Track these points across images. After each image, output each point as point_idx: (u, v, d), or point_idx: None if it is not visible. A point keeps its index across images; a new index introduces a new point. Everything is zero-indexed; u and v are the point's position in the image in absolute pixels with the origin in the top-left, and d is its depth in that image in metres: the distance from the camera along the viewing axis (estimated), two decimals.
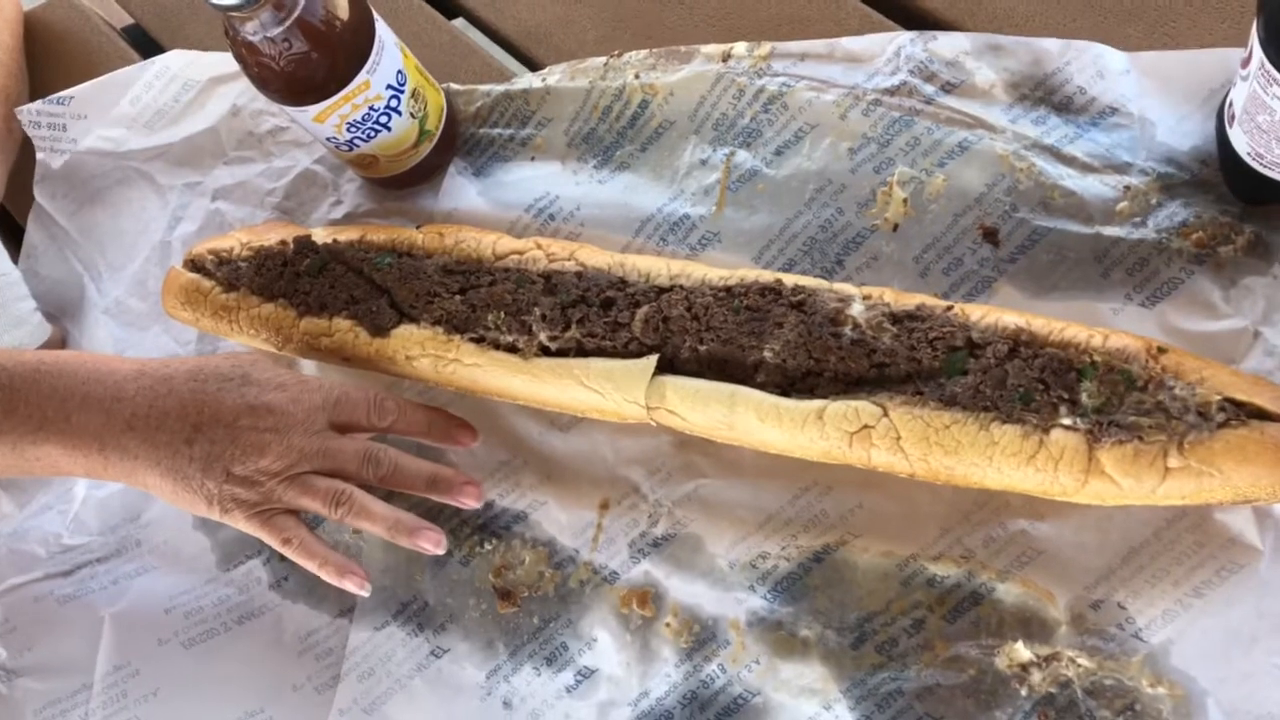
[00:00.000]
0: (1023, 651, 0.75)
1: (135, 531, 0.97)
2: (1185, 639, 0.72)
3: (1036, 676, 0.74)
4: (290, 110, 0.88)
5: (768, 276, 0.80)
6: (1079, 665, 0.74)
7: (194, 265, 0.95)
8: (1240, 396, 0.69)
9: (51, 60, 1.21)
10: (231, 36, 0.83)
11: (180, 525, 0.96)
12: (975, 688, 0.75)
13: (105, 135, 1.10)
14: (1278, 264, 0.77)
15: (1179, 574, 0.74)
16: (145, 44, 1.21)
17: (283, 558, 0.92)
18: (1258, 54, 0.68)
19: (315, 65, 0.84)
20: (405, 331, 0.86)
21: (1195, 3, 0.87)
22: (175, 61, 1.11)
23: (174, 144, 1.08)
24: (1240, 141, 0.75)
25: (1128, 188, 0.81)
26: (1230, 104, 0.76)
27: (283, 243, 0.93)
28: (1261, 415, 0.68)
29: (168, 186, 1.07)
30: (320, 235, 0.93)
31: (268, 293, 0.91)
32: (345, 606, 0.90)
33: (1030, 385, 0.71)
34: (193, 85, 1.09)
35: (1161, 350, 0.71)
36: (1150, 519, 0.75)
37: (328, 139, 0.91)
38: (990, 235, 0.83)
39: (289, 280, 0.90)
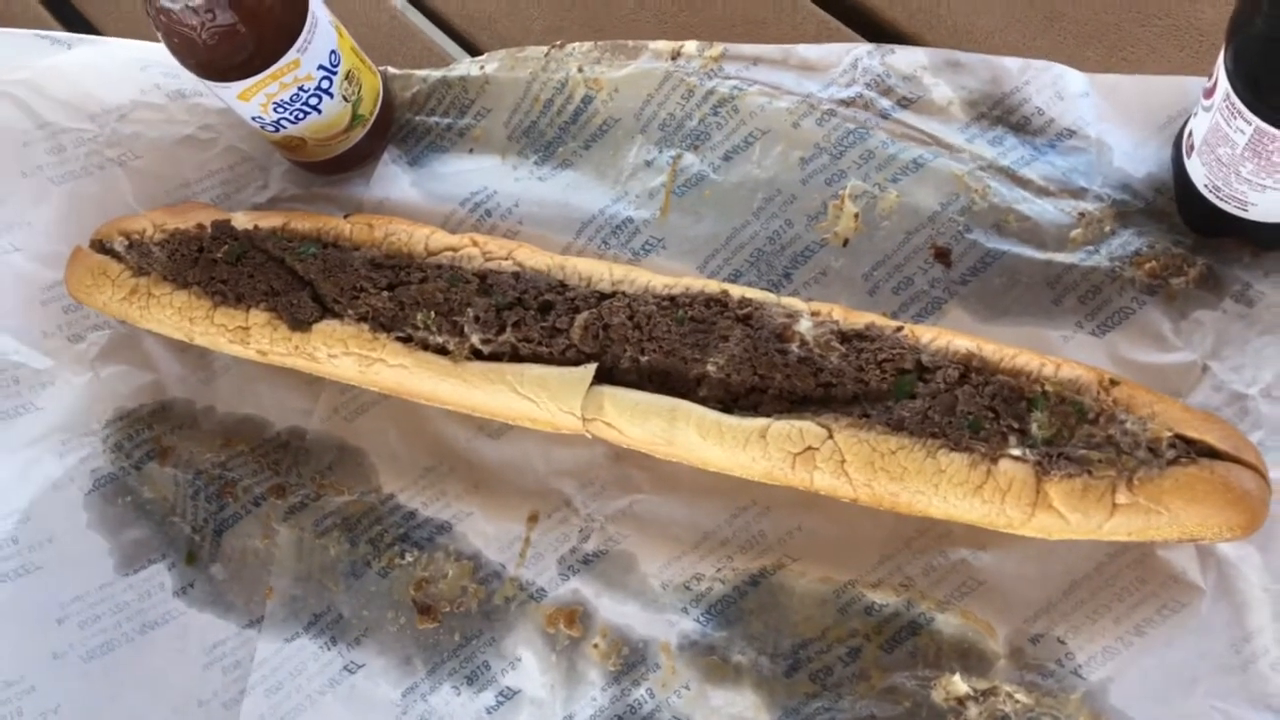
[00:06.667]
0: (960, 685, 0.73)
1: (10, 528, 0.89)
2: (1125, 677, 0.71)
3: (973, 711, 0.73)
4: (213, 86, 0.83)
5: (714, 287, 0.78)
6: (1016, 701, 0.72)
7: (101, 246, 0.89)
8: (1191, 433, 0.68)
9: None
10: (150, 1, 0.78)
11: (73, 523, 0.89)
12: None
13: None
14: (1228, 298, 0.77)
15: (1120, 610, 0.73)
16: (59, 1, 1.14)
17: (189, 562, 0.87)
18: (1223, 85, 0.66)
19: (241, 39, 0.78)
20: (328, 327, 0.81)
21: (1154, 30, 0.86)
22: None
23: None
24: (1198, 173, 0.74)
25: (1082, 214, 0.80)
26: (1189, 134, 0.75)
27: (200, 226, 0.87)
28: (1212, 453, 0.67)
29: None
30: (241, 220, 0.87)
31: (181, 279, 0.85)
32: (254, 616, 0.85)
33: (980, 413, 0.69)
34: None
35: (1114, 382, 0.70)
36: (1092, 553, 0.74)
37: (253, 118, 0.86)
38: (942, 256, 0.81)
39: (204, 267, 0.85)
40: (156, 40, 0.81)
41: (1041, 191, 0.81)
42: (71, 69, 0.99)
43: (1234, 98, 0.66)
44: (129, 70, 0.99)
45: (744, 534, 0.80)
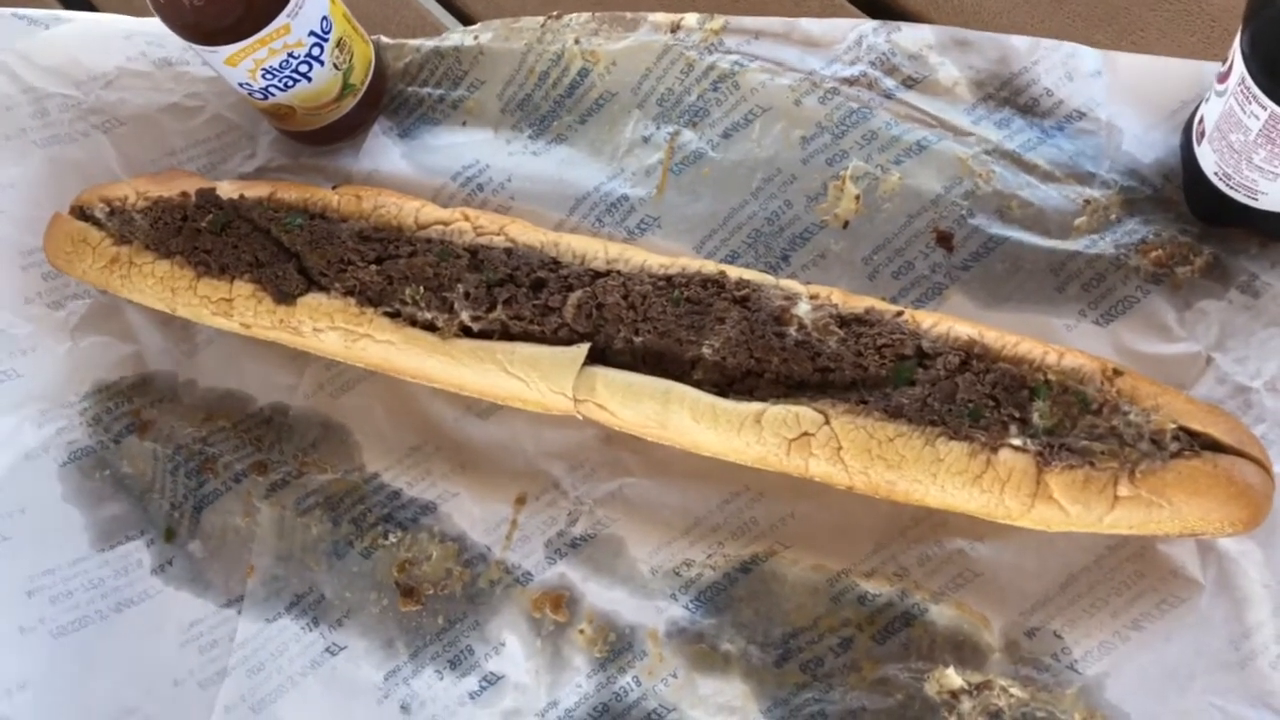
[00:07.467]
0: (954, 678, 0.72)
1: None
2: (1121, 673, 0.70)
3: (966, 705, 0.71)
4: (199, 50, 0.80)
5: (711, 268, 0.76)
6: (1011, 695, 0.71)
7: (82, 213, 0.87)
8: (1195, 426, 0.66)
9: None
10: None
11: (47, 495, 0.87)
12: (902, 714, 0.72)
13: None
14: (1234, 289, 0.75)
15: (1118, 605, 0.71)
16: None
17: (168, 539, 0.85)
18: (1239, 68, 0.65)
19: (230, 2, 0.76)
20: (314, 301, 0.79)
21: (1165, 14, 0.84)
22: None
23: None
24: (1208, 160, 0.72)
25: (1088, 201, 0.78)
26: (1200, 120, 0.73)
27: (184, 194, 0.85)
28: (1215, 447, 0.66)
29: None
30: (226, 189, 0.85)
31: (163, 249, 0.83)
32: (234, 595, 0.83)
33: (980, 401, 0.68)
34: None
35: (1117, 372, 0.68)
36: (1091, 545, 0.72)
37: (240, 85, 0.84)
38: (944, 240, 0.80)
39: (188, 236, 0.83)
40: (149, 16, 0.79)
41: (1047, 177, 0.79)
42: (57, 37, 0.97)
43: (1249, 82, 0.64)
44: (114, 38, 0.97)
45: (736, 520, 0.78)
